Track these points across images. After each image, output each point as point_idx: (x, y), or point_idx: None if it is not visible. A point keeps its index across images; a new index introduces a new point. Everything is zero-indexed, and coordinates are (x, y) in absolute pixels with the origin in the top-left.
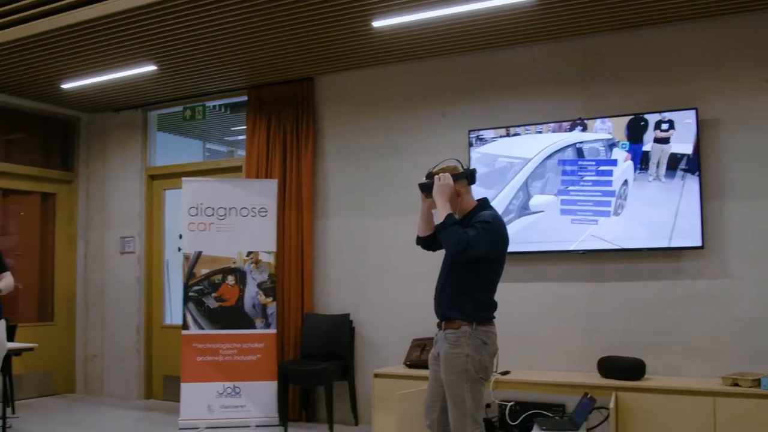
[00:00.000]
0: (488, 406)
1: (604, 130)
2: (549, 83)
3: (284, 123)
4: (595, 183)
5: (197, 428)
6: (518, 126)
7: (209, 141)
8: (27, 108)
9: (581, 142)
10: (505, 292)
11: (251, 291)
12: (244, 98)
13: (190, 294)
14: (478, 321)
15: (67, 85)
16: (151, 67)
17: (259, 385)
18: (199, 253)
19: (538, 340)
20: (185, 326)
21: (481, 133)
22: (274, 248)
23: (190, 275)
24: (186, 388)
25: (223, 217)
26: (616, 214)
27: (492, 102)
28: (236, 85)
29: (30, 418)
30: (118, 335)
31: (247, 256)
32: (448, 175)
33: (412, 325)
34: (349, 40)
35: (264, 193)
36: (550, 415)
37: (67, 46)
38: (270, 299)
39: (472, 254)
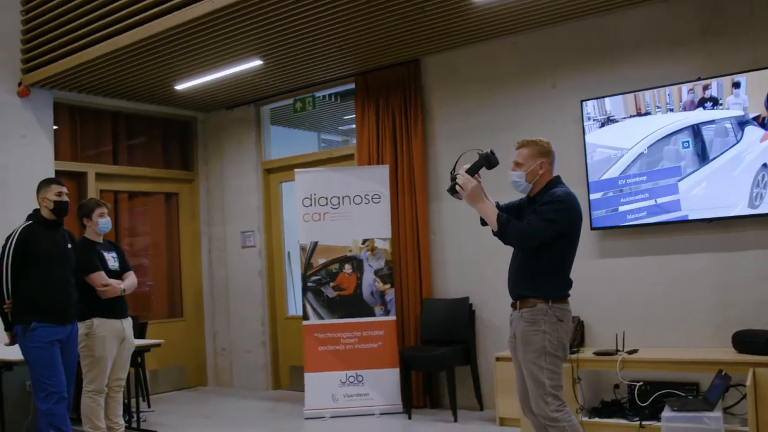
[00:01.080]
0: (617, 387)
1: (738, 105)
2: (665, 45)
3: (392, 107)
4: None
5: (322, 417)
6: (633, 92)
7: (323, 131)
8: (146, 112)
9: (707, 122)
10: (628, 267)
11: (368, 279)
12: (352, 86)
13: (309, 284)
14: (554, 299)
15: (180, 86)
16: (258, 62)
17: (381, 373)
18: (315, 244)
19: (666, 316)
20: (305, 317)
21: (592, 113)
22: (389, 234)
23: (307, 266)
24: (309, 378)
25: (336, 206)
26: (753, 206)
27: (604, 69)
28: (343, 72)
29: (164, 410)
30: (244, 328)
31: (363, 243)
32: (465, 175)
33: None
34: (452, 16)
35: (376, 179)
36: (683, 394)
37: (177, 48)
38: (388, 286)
39: (538, 241)
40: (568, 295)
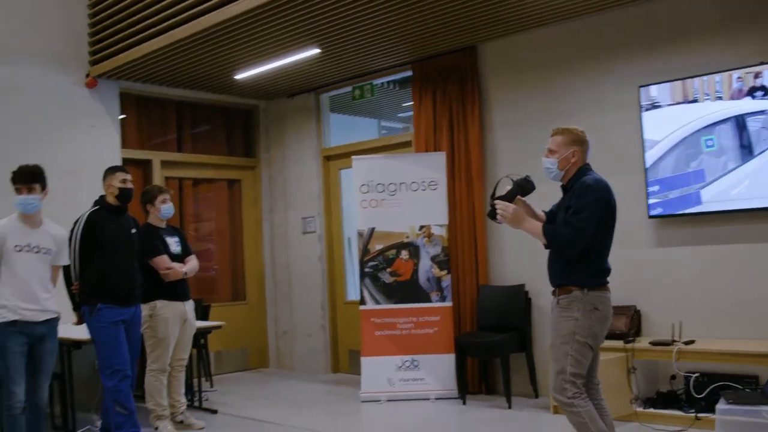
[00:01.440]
0: (673, 377)
1: None
2: (724, 28)
3: (449, 94)
4: None
5: (378, 401)
6: (691, 78)
7: (383, 118)
8: (209, 100)
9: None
10: (686, 256)
11: (425, 265)
12: (410, 73)
13: (366, 270)
14: (590, 287)
15: (239, 76)
16: (316, 51)
17: (437, 358)
18: (373, 230)
19: (724, 307)
20: (362, 301)
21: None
22: (446, 221)
23: (364, 251)
24: (366, 362)
25: (393, 192)
26: None
27: (662, 54)
28: (400, 60)
29: (226, 391)
30: (304, 312)
31: (420, 230)
32: (502, 203)
33: None
34: (508, 2)
35: (433, 166)
36: (740, 387)
37: (236, 38)
38: (444, 272)
39: (584, 240)
40: (606, 283)
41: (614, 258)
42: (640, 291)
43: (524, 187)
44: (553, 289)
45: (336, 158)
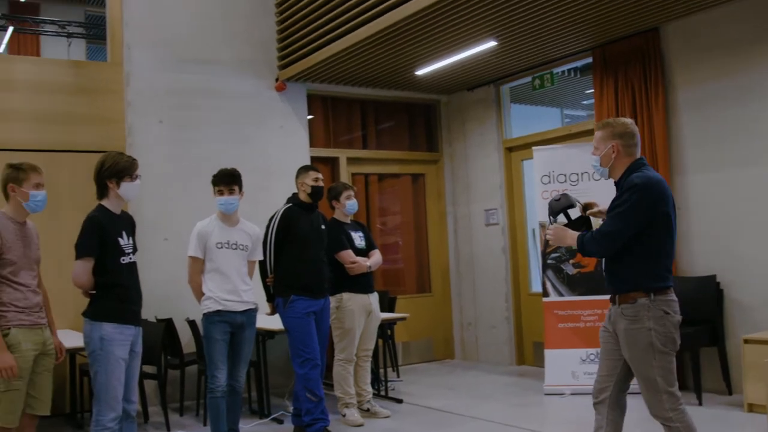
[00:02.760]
0: None
1: None
2: None
3: (631, 79)
4: None
5: (562, 394)
6: None
7: (566, 107)
8: (391, 97)
9: None
10: None
11: None
12: (590, 60)
13: (548, 261)
14: (655, 291)
15: (420, 72)
16: (493, 43)
17: None
18: (555, 221)
19: None
20: (545, 293)
21: None
22: None
23: (546, 243)
24: (550, 355)
25: (575, 182)
26: None
27: None
28: (580, 47)
29: (412, 380)
30: (488, 304)
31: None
32: (548, 229)
33: None
34: None
35: None
36: None
37: (415, 34)
38: None
39: (617, 242)
40: (671, 286)
41: None
42: None
43: (553, 207)
44: (611, 295)
45: (518, 149)
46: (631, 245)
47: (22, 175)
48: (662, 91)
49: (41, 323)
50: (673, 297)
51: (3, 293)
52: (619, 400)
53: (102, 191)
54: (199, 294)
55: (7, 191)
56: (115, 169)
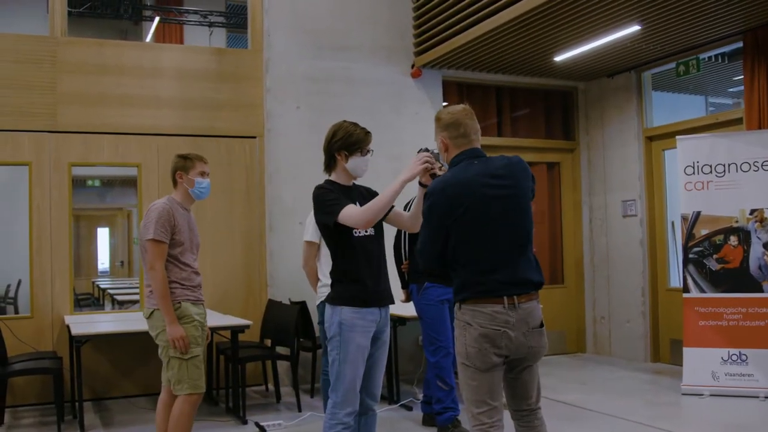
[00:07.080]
0: None
1: None
2: None
3: None
4: None
5: (701, 395)
6: None
7: (710, 95)
8: (527, 84)
9: None
10: None
11: (756, 252)
12: (740, 44)
13: (690, 256)
14: (462, 300)
15: (559, 58)
16: (636, 27)
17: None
18: (698, 213)
19: None
20: (686, 289)
21: None
22: None
23: (689, 236)
24: (689, 353)
25: (721, 174)
26: None
27: None
28: (730, 31)
29: (545, 373)
30: (623, 297)
31: (751, 214)
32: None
33: None
34: None
35: (767, 145)
36: None
37: (555, 19)
38: None
39: (426, 253)
40: (486, 292)
41: None
42: None
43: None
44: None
45: (659, 138)
46: (451, 253)
47: (188, 163)
48: None
49: (202, 300)
50: (483, 308)
51: (171, 272)
52: (525, 418)
53: (330, 163)
54: (314, 279)
55: (176, 178)
56: (348, 141)
